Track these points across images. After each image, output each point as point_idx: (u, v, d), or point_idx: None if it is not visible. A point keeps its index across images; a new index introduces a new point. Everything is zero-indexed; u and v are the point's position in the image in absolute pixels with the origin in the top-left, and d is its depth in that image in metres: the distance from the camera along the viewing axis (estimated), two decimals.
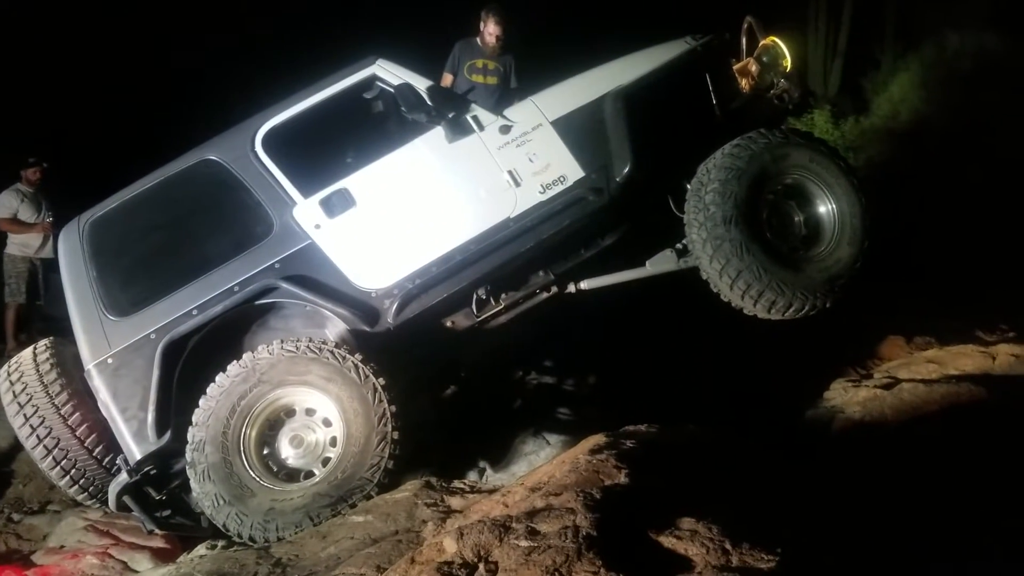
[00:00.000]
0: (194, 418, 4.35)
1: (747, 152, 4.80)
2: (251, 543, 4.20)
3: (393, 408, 4.30)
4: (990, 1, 12.04)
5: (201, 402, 4.37)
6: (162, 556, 4.93)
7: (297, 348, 4.40)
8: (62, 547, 5.08)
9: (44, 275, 8.67)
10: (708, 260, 4.71)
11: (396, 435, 4.27)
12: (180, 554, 4.83)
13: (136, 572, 5.00)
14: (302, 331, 4.82)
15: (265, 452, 4.42)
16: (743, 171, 4.73)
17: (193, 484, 4.32)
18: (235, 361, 4.44)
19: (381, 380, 4.34)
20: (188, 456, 4.32)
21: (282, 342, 4.45)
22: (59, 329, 5.27)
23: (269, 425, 4.45)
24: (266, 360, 4.39)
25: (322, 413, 4.45)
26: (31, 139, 9.78)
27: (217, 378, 4.41)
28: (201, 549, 4.38)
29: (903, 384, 4.74)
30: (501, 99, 5.41)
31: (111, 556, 4.90)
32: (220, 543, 4.40)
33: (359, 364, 4.34)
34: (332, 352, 4.37)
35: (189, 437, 4.33)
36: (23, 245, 8.72)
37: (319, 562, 3.57)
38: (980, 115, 10.41)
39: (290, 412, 4.48)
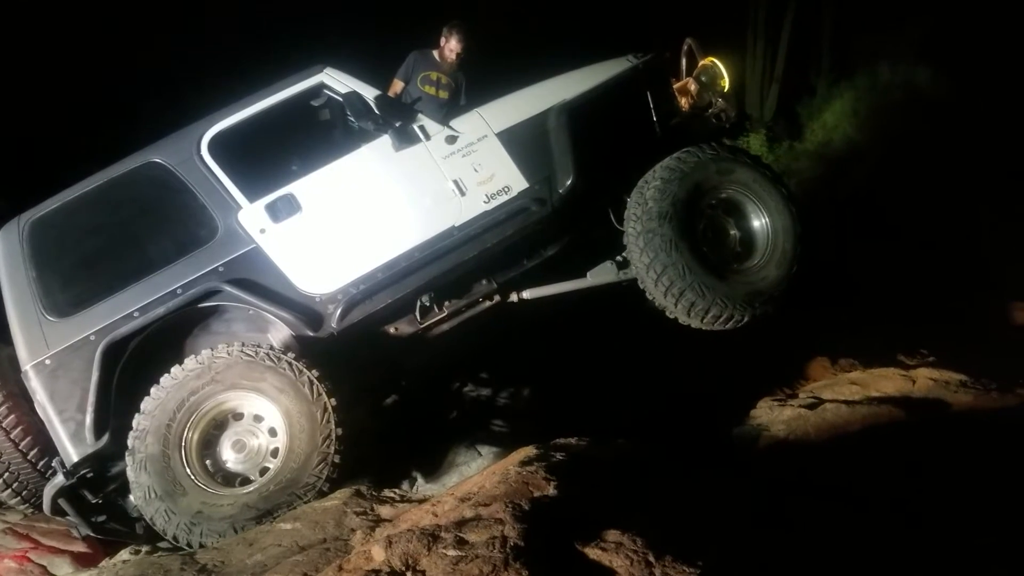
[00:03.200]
0: (142, 405, 4.32)
1: (694, 159, 4.98)
2: (174, 542, 4.19)
3: (339, 431, 4.30)
4: (921, 36, 12.45)
5: (152, 390, 4.35)
6: (83, 561, 4.81)
7: (256, 354, 4.39)
8: None
9: None
10: (639, 253, 4.86)
11: (337, 459, 4.28)
12: (102, 559, 4.72)
13: None
14: (245, 335, 4.83)
15: (206, 452, 4.39)
16: (686, 175, 4.90)
17: (129, 472, 4.28)
18: (193, 355, 4.43)
19: (333, 401, 4.34)
20: (129, 442, 4.28)
21: (242, 345, 4.43)
22: None
23: (215, 425, 4.43)
24: (223, 361, 4.37)
25: (269, 422, 4.44)
26: None
27: (172, 369, 4.39)
28: (124, 554, 4.33)
29: (826, 404, 4.84)
30: (449, 113, 5.48)
31: (30, 560, 4.75)
32: (144, 548, 4.35)
33: (314, 381, 4.34)
34: (290, 364, 4.37)
35: (134, 424, 4.30)
36: None
37: (245, 569, 3.56)
38: (909, 145, 10.73)
39: (238, 416, 4.46)
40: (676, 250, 4.76)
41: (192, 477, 4.25)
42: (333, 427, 4.29)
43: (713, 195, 5.02)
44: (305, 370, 4.36)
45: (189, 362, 4.40)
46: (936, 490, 3.50)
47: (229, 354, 4.39)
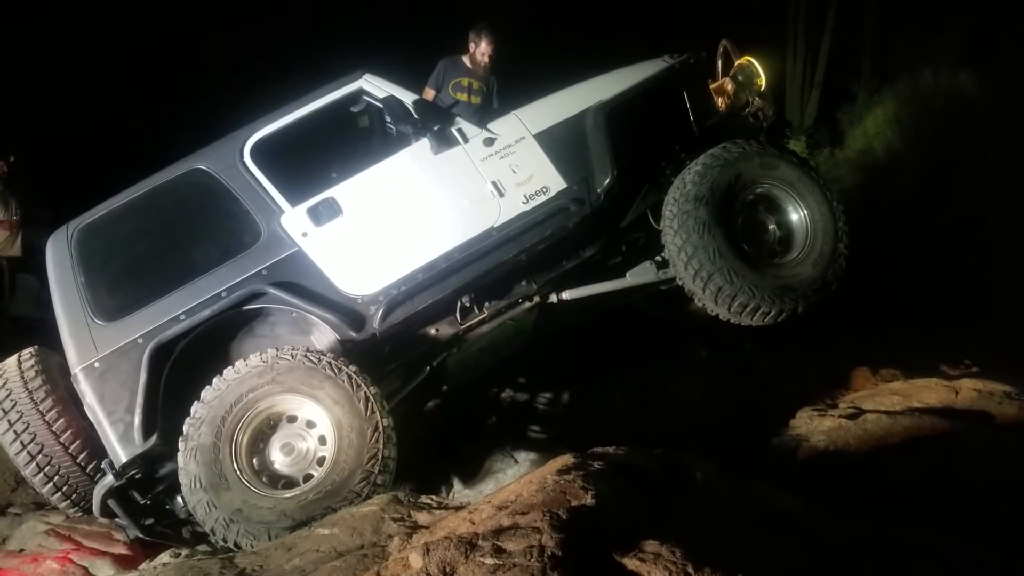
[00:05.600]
0: (202, 394, 4.39)
1: (739, 150, 4.97)
2: (211, 534, 4.26)
3: (386, 452, 4.31)
4: (965, 41, 12.31)
5: (214, 381, 4.41)
6: (124, 563, 4.84)
7: (319, 361, 4.42)
8: (22, 550, 4.94)
9: (10, 275, 8.35)
10: (672, 235, 4.85)
11: (379, 479, 4.28)
12: (142, 561, 4.75)
13: None
14: (288, 338, 4.89)
15: (255, 450, 4.43)
16: (728, 163, 4.90)
17: (179, 457, 4.33)
18: (258, 352, 4.49)
19: (385, 421, 4.35)
20: (184, 429, 4.34)
21: (306, 350, 4.47)
22: (26, 331, 5.26)
23: (268, 425, 4.47)
24: (286, 363, 4.41)
25: (321, 430, 4.46)
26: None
27: (236, 363, 4.45)
28: (165, 557, 4.34)
29: (867, 415, 4.78)
30: (483, 117, 5.52)
31: (72, 561, 4.77)
32: (184, 551, 4.39)
33: (371, 398, 4.36)
34: (350, 376, 4.39)
35: (192, 411, 4.37)
36: None
37: (284, 574, 3.56)
38: (952, 152, 10.59)
39: (291, 419, 4.49)
40: (709, 233, 4.74)
41: (238, 473, 4.29)
42: (381, 447, 4.30)
43: (754, 188, 5.00)
44: (363, 385, 4.38)
45: (253, 358, 4.45)
46: (980, 504, 3.44)
47: (292, 357, 4.43)
